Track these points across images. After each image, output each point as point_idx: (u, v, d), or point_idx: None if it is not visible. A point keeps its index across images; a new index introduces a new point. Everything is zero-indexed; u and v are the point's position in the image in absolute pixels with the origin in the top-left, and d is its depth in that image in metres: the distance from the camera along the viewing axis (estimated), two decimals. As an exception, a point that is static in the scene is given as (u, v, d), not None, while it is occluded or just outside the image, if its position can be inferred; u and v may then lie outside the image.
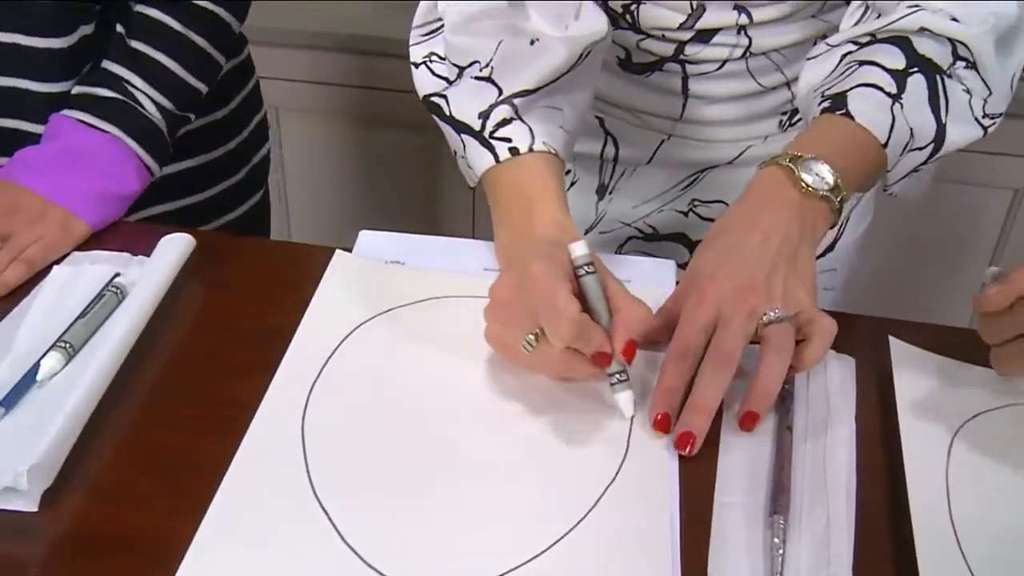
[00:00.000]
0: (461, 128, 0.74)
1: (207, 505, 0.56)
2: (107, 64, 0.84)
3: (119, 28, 0.86)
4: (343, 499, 0.57)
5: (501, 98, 0.73)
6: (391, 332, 0.70)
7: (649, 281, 0.76)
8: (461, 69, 0.75)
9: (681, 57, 0.84)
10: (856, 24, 0.76)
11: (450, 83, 0.76)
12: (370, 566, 0.53)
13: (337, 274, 0.74)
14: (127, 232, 0.83)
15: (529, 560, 0.54)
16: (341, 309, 0.71)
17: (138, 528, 0.56)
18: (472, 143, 0.73)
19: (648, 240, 1.00)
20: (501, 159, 0.71)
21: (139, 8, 0.85)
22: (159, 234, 0.77)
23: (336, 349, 0.68)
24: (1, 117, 0.86)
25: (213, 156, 1.01)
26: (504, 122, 0.72)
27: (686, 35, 0.82)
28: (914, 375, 0.66)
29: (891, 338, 0.69)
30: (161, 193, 0.96)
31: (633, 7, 0.82)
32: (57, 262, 0.77)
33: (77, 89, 0.84)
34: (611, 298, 0.63)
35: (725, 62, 0.84)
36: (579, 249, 0.63)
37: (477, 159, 0.73)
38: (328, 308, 0.71)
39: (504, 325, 0.64)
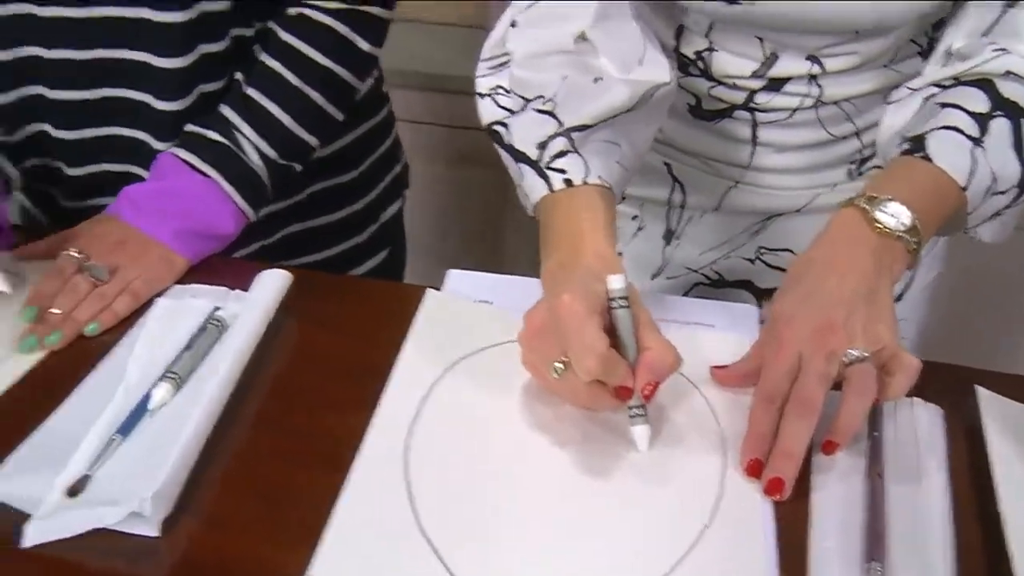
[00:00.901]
0: (519, 157, 0.76)
1: (313, 536, 0.58)
2: (222, 107, 0.87)
3: (238, 75, 0.89)
4: (449, 533, 0.58)
5: (559, 130, 0.74)
6: (485, 370, 0.72)
7: (731, 327, 0.77)
8: (526, 101, 0.77)
9: (751, 105, 0.85)
10: (940, 68, 0.77)
11: (513, 113, 0.78)
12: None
13: (430, 313, 0.76)
14: (224, 267, 0.86)
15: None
16: (436, 348, 0.73)
17: (249, 556, 0.58)
18: (529, 172, 0.75)
19: (715, 286, 1.01)
20: (555, 189, 0.72)
21: (262, 56, 0.88)
22: (254, 269, 0.80)
23: (433, 387, 0.70)
24: (124, 127, 0.89)
25: (337, 216, 1.03)
26: (560, 154, 0.73)
27: (757, 83, 0.84)
28: (1006, 426, 0.66)
29: (978, 388, 0.70)
30: (288, 250, 0.99)
31: (705, 54, 0.83)
32: (159, 295, 0.80)
33: (190, 127, 0.87)
34: (641, 335, 0.64)
35: (795, 111, 0.85)
36: (616, 282, 0.64)
37: (532, 188, 0.74)
38: (423, 347, 0.73)
39: (535, 351, 0.66)
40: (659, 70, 0.77)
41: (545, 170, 0.73)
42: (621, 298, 0.64)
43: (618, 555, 0.58)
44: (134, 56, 0.85)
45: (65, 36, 0.84)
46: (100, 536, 0.58)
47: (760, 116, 0.86)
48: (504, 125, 0.78)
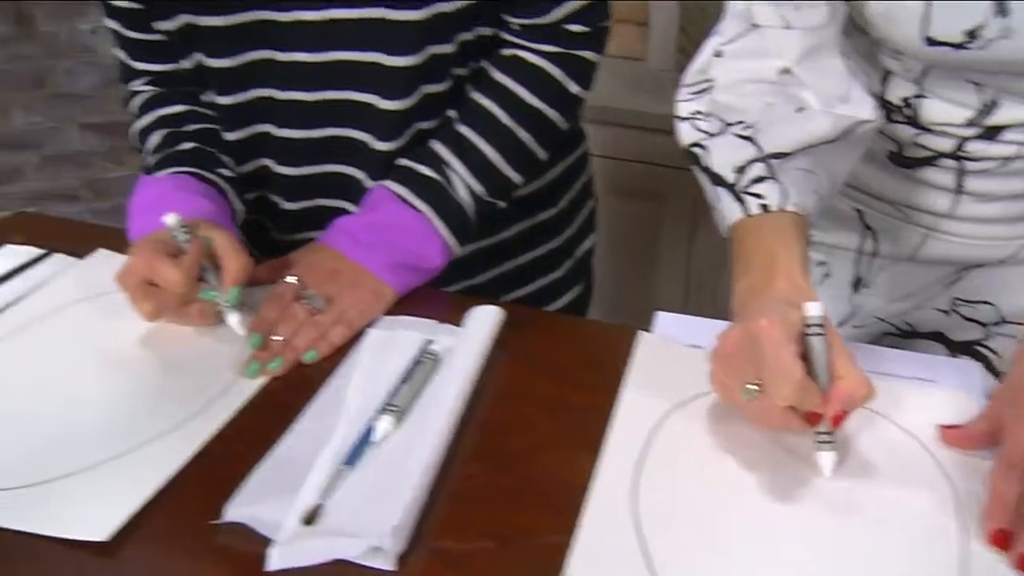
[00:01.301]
0: (716, 180, 0.76)
1: (546, 578, 0.58)
2: (433, 144, 0.89)
3: (450, 112, 0.90)
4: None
5: (758, 156, 0.74)
6: (704, 416, 0.71)
7: (953, 383, 0.74)
8: (726, 125, 0.77)
9: (960, 153, 0.81)
10: None
11: (711, 136, 0.78)
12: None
13: (645, 356, 0.76)
14: (428, 299, 0.87)
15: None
16: (654, 392, 0.72)
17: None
18: (725, 195, 0.75)
19: (904, 337, 0.97)
20: (751, 213, 0.72)
21: (473, 94, 0.90)
22: (458, 302, 0.81)
23: (655, 431, 0.69)
24: (341, 165, 0.92)
25: (537, 254, 1.04)
26: (758, 179, 0.73)
27: (971, 132, 0.80)
28: None
29: None
30: (493, 288, 1.01)
31: (914, 101, 0.81)
32: (369, 325, 0.81)
33: (402, 162, 0.89)
34: (835, 363, 0.63)
35: (1010, 159, 0.81)
36: (813, 309, 0.63)
37: (728, 210, 0.74)
38: (641, 390, 0.73)
39: (728, 371, 0.66)
40: (864, 108, 0.76)
41: (741, 194, 0.73)
42: (817, 325, 0.63)
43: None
44: (361, 97, 0.87)
45: (299, 78, 0.87)
46: (338, 566, 0.58)
47: (969, 165, 0.82)
48: (702, 147, 0.78)
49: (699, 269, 1.92)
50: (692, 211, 1.86)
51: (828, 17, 0.76)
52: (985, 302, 0.92)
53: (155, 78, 0.97)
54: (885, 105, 0.82)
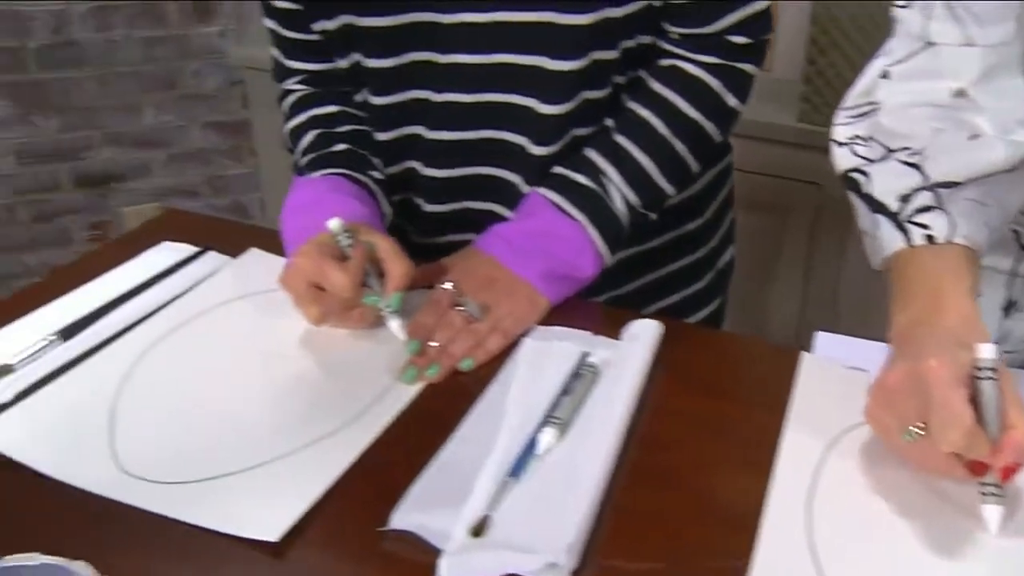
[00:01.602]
0: (876, 207, 0.73)
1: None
2: (589, 152, 0.88)
3: (608, 122, 0.89)
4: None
5: (924, 184, 0.71)
6: (872, 444, 0.68)
7: None
8: (889, 151, 0.74)
9: None
10: None
11: (872, 162, 0.75)
12: None
13: (809, 378, 0.73)
14: (578, 309, 0.86)
15: None
16: (821, 415, 0.70)
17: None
18: (885, 223, 0.72)
19: None
20: (914, 244, 0.69)
21: (630, 104, 0.89)
22: (607, 313, 0.81)
23: (826, 457, 0.66)
24: (494, 168, 0.92)
25: (680, 264, 1.03)
26: (924, 208, 0.70)
27: None
28: None
29: None
30: (638, 299, 0.99)
31: None
32: (523, 334, 0.80)
33: (558, 170, 0.88)
34: (1008, 412, 0.59)
35: None
36: (987, 351, 0.60)
37: (888, 240, 0.71)
38: (807, 413, 0.70)
39: (888, 410, 0.63)
40: None
41: (905, 223, 0.70)
42: (990, 368, 0.60)
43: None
44: (522, 101, 0.86)
45: (458, 80, 0.87)
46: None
47: None
48: (863, 173, 0.75)
49: (818, 285, 1.87)
50: (812, 225, 1.81)
51: (1014, 34, 0.72)
52: None
53: (309, 77, 0.98)
54: None
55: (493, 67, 0.85)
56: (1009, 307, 0.92)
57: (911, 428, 0.60)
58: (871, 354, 0.76)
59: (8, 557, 0.47)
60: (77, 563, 0.47)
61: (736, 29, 0.87)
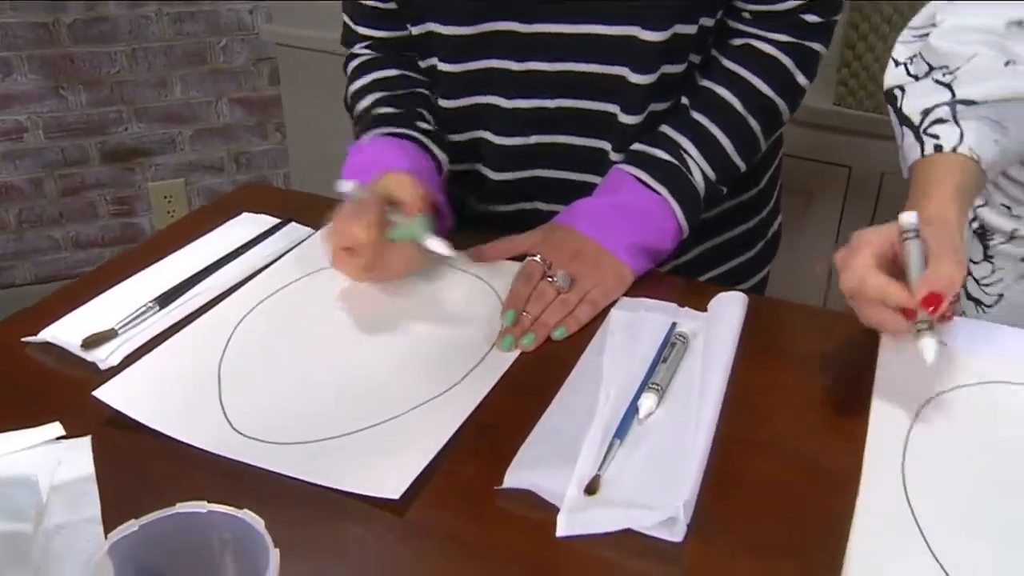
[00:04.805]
0: (904, 120, 0.79)
1: (835, 561, 0.58)
2: (667, 129, 0.90)
3: (684, 100, 0.92)
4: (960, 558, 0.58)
5: (948, 101, 0.76)
6: (956, 410, 0.71)
7: None
8: (930, 68, 0.79)
9: None
10: None
11: (915, 79, 0.80)
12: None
13: (890, 350, 0.76)
14: (662, 281, 0.89)
15: None
16: (906, 385, 0.72)
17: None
18: (908, 135, 0.78)
19: None
20: (926, 154, 0.75)
21: (705, 83, 0.91)
22: (685, 285, 0.84)
23: (913, 425, 0.69)
24: (590, 137, 0.94)
25: (734, 233, 1.05)
26: (939, 121, 0.76)
27: None
28: None
29: None
30: (695, 267, 1.02)
31: None
32: (611, 305, 0.83)
33: (637, 146, 0.90)
34: (929, 260, 0.66)
35: None
36: (907, 219, 0.69)
37: (910, 151, 0.78)
38: (894, 383, 0.73)
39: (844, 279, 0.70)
40: None
41: (922, 135, 0.76)
42: (911, 231, 0.68)
43: None
44: (608, 70, 0.88)
45: (542, 49, 0.89)
46: (623, 535, 0.60)
47: None
48: (902, 89, 0.81)
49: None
50: (840, 208, 1.84)
51: None
52: None
53: (374, 43, 1.00)
54: None
55: (583, 37, 0.87)
56: None
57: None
58: (948, 328, 0.79)
59: (180, 504, 0.49)
60: (244, 511, 0.49)
61: (807, 8, 0.89)
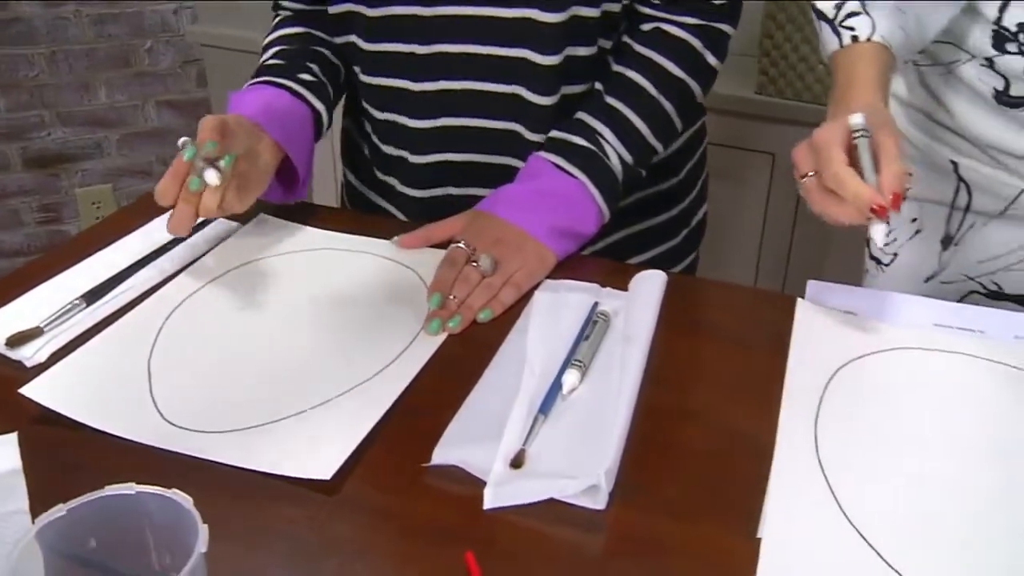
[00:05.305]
0: (820, 15, 0.86)
1: (751, 522, 0.61)
2: (583, 115, 0.93)
3: (597, 85, 0.94)
4: (878, 524, 0.61)
5: None
6: (870, 376, 0.74)
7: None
8: None
9: None
10: None
11: None
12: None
13: (805, 321, 0.79)
14: (583, 264, 0.91)
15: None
16: (820, 353, 0.76)
17: (693, 537, 0.61)
18: (826, 29, 0.85)
19: (991, 298, 0.99)
20: (843, 45, 0.83)
21: (618, 68, 0.94)
22: (606, 266, 0.87)
23: (824, 393, 0.72)
24: (483, 119, 0.97)
25: (656, 221, 1.08)
26: (852, 14, 0.83)
27: None
28: None
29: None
30: (615, 254, 1.04)
31: None
32: (534, 288, 0.85)
33: (555, 133, 0.93)
34: (879, 161, 0.71)
35: None
36: (856, 119, 0.74)
37: (828, 42, 0.85)
38: (808, 351, 0.76)
39: (796, 172, 0.76)
40: None
41: (838, 27, 0.84)
42: (860, 131, 0.73)
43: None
44: (510, 52, 0.91)
45: (443, 33, 0.91)
46: (549, 505, 0.62)
47: None
48: None
49: (771, 254, 1.94)
50: (766, 194, 1.88)
51: None
52: None
53: (296, 11, 1.04)
54: (998, 34, 0.83)
55: (481, 20, 0.90)
56: (947, 240, 0.99)
57: (807, 173, 0.74)
58: (862, 298, 0.83)
59: (108, 487, 0.50)
60: (173, 490, 0.50)
61: None
